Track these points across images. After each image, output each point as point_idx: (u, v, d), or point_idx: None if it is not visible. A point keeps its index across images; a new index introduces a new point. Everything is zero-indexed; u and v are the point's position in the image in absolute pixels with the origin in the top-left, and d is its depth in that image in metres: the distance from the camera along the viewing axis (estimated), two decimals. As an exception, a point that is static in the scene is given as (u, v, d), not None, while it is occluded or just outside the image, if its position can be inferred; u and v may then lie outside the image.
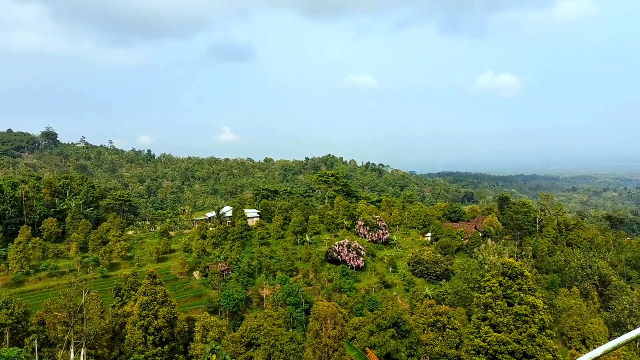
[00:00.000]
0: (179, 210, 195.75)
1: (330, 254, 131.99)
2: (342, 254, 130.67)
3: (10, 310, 72.62)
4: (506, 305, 69.28)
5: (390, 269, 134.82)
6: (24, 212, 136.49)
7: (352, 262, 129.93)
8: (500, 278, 71.15)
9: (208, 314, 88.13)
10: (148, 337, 75.46)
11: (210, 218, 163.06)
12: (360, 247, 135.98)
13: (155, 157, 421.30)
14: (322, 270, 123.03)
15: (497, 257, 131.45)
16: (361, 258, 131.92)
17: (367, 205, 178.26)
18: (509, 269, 71.02)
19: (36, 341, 71.03)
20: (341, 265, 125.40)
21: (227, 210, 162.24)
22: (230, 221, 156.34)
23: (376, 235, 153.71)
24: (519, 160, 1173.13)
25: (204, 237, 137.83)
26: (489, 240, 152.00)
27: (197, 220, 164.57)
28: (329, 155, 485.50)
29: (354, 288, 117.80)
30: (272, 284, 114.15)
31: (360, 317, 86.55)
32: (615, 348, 9.37)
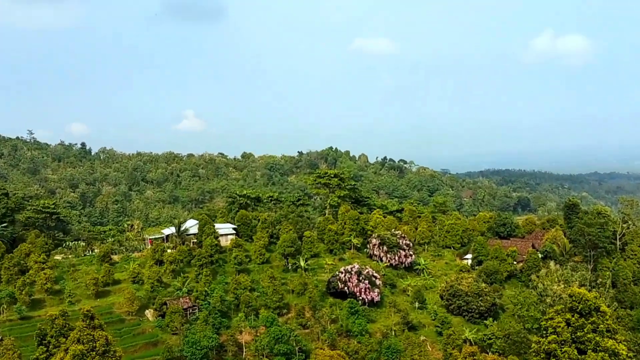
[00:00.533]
0: (125, 225, 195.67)
1: (334, 285, 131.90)
2: (349, 284, 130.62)
3: None
4: (576, 353, 69.36)
5: (417, 305, 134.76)
6: None
7: (363, 296, 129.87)
8: (568, 315, 71.21)
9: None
10: (84, 401, 75.19)
11: (168, 236, 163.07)
12: (375, 274, 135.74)
13: (93, 153, 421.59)
14: (322, 307, 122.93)
15: (562, 286, 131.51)
16: (376, 290, 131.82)
17: (384, 217, 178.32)
18: (579, 303, 71.07)
19: None
20: (349, 299, 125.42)
21: (192, 226, 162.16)
22: (195, 240, 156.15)
23: (396, 257, 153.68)
24: (592, 154, 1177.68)
25: (159, 262, 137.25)
26: (552, 264, 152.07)
27: (150, 239, 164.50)
28: (331, 148, 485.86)
29: (367, 331, 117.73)
30: (255, 326, 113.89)
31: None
32: None
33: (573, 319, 71.04)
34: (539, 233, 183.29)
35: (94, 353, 76.42)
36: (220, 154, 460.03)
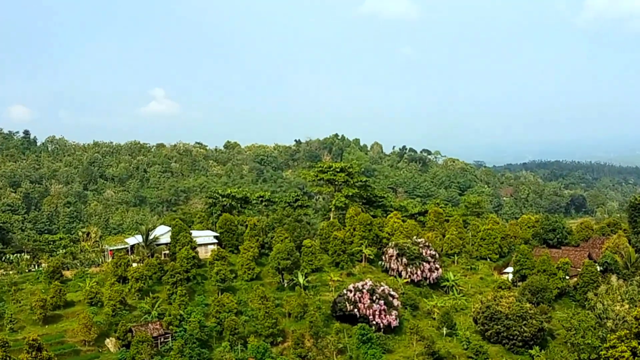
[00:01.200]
0: (80, 234, 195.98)
1: (341, 306, 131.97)
2: (360, 305, 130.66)
3: None
4: (645, 390, 69.35)
5: (445, 330, 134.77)
6: None
7: (378, 320, 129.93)
8: (634, 343, 71.22)
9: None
10: None
11: (133, 247, 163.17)
12: (393, 292, 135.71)
13: (39, 144, 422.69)
14: (326, 334, 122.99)
15: (627, 306, 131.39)
16: (394, 312, 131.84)
17: (403, 222, 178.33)
18: (648, 328, 71.04)
19: None
20: (359, 324, 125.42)
21: (163, 234, 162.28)
22: (167, 251, 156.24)
23: (419, 272, 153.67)
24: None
25: (123, 279, 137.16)
26: (614, 278, 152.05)
27: (111, 250, 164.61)
28: (336, 136, 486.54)
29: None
30: (242, 358, 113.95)
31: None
32: None
33: (640, 347, 71.03)
34: (598, 240, 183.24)
35: (42, 393, 76.52)
36: (198, 143, 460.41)
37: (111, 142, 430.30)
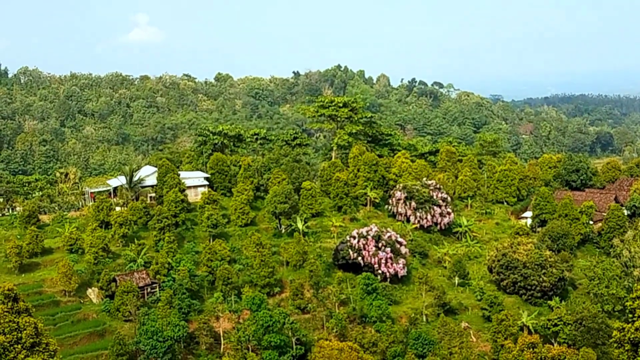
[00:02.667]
0: (57, 175, 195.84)
1: (344, 254, 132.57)
2: (365, 252, 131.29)
3: None
4: (673, 344, 69.83)
5: (457, 280, 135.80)
6: None
7: (384, 268, 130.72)
8: (663, 293, 71.45)
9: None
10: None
11: (116, 189, 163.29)
12: (400, 239, 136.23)
13: (10, 75, 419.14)
14: (328, 284, 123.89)
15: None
16: (401, 260, 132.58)
17: (412, 162, 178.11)
18: (679, 277, 71.27)
19: None
20: (364, 273, 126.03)
21: (148, 175, 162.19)
22: (154, 194, 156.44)
23: (429, 217, 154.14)
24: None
25: (105, 224, 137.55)
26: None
27: (92, 192, 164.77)
28: (339, 67, 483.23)
29: (389, 316, 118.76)
30: (236, 310, 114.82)
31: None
32: None
33: (670, 298, 71.25)
34: (625, 182, 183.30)
35: (20, 346, 77.13)
36: (186, 75, 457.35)
37: (90, 74, 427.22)
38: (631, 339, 72.11)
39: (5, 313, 77.91)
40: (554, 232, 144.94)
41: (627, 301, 78.81)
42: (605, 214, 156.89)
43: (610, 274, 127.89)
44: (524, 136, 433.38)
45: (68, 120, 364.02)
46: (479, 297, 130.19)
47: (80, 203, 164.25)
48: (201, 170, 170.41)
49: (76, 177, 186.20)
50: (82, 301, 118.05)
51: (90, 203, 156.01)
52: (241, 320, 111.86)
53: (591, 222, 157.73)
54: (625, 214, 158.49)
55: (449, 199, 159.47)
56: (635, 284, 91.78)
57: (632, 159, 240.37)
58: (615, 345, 75.20)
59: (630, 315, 74.58)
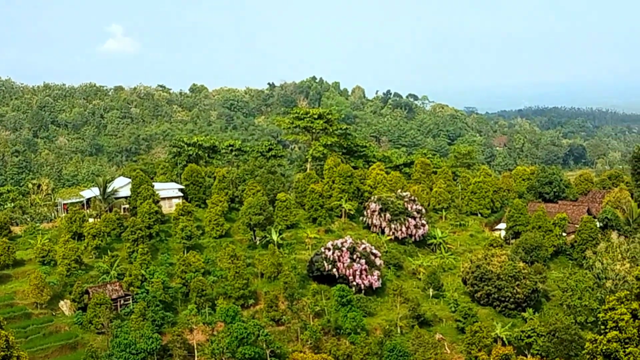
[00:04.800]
0: (30, 186, 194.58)
1: (319, 265, 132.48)
2: (340, 264, 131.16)
3: None
4: (645, 355, 70.32)
5: (431, 292, 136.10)
6: None
7: (358, 280, 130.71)
8: (635, 305, 72.04)
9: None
10: None
11: (89, 200, 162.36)
12: (375, 251, 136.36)
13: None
14: (302, 296, 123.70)
15: (628, 265, 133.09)
16: (376, 272, 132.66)
17: (387, 173, 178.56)
18: (650, 289, 71.76)
19: None
20: (339, 285, 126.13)
21: (122, 186, 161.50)
22: (127, 205, 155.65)
23: (404, 228, 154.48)
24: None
25: (78, 236, 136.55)
26: (614, 235, 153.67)
27: (65, 204, 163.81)
28: (314, 79, 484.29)
29: (364, 328, 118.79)
30: (210, 322, 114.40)
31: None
32: None
33: (642, 309, 71.81)
34: (598, 194, 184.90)
35: (-10, 360, 76.45)
36: (161, 86, 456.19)
37: (64, 85, 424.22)
38: (603, 351, 72.62)
39: (-25, 326, 77.11)
40: (528, 243, 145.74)
41: (599, 313, 79.45)
42: (577, 226, 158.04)
43: (583, 286, 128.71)
44: (497, 148, 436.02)
45: (41, 131, 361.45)
46: (453, 309, 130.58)
47: (53, 214, 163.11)
48: (175, 182, 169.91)
49: (49, 188, 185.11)
50: (54, 313, 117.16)
51: (63, 214, 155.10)
52: (215, 333, 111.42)
53: (564, 234, 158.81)
54: (598, 225, 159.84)
55: (423, 210, 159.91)
56: (608, 296, 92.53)
57: (605, 172, 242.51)
58: (587, 356, 75.70)
59: (602, 327, 75.15)
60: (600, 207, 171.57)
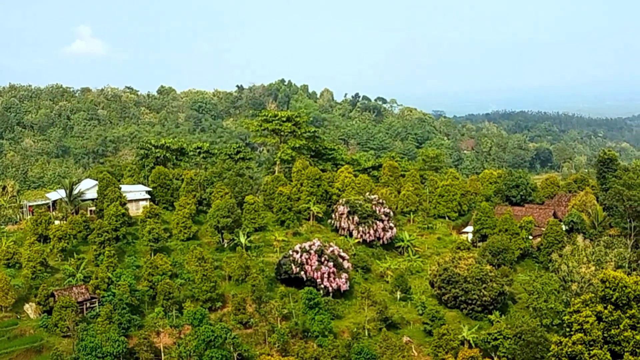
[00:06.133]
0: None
1: (287, 268, 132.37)
2: (308, 267, 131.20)
3: None
4: (610, 357, 71.04)
5: (398, 295, 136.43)
6: None
7: (326, 283, 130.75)
8: (600, 307, 72.74)
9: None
10: None
11: (55, 202, 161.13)
12: (343, 254, 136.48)
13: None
14: (270, 299, 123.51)
15: (593, 268, 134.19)
16: (344, 275, 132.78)
17: (355, 176, 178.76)
18: (614, 291, 72.54)
19: None
20: (306, 288, 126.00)
21: (89, 188, 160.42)
22: (94, 208, 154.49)
23: (372, 231, 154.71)
24: (638, 89, 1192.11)
25: (44, 238, 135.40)
26: (580, 238, 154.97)
27: (31, 206, 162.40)
28: (282, 81, 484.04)
29: (331, 331, 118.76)
30: (177, 325, 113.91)
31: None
32: None
33: (606, 311, 72.59)
34: (564, 197, 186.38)
35: (-47, 364, 75.80)
36: (128, 88, 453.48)
37: (30, 86, 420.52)
38: (568, 353, 73.35)
39: (-62, 329, 76.43)
40: (495, 246, 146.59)
41: (564, 315, 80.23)
42: (544, 229, 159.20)
43: (549, 289, 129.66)
44: (465, 152, 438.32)
45: (6, 133, 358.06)
46: (420, 312, 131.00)
47: (18, 216, 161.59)
48: (143, 184, 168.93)
49: (14, 190, 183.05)
50: (19, 317, 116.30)
51: (29, 216, 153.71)
52: (182, 336, 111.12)
53: (530, 237, 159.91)
54: (564, 229, 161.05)
55: (391, 213, 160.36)
56: (573, 299, 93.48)
57: (570, 175, 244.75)
58: (553, 359, 76.35)
59: (567, 329, 75.90)
60: (566, 211, 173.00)
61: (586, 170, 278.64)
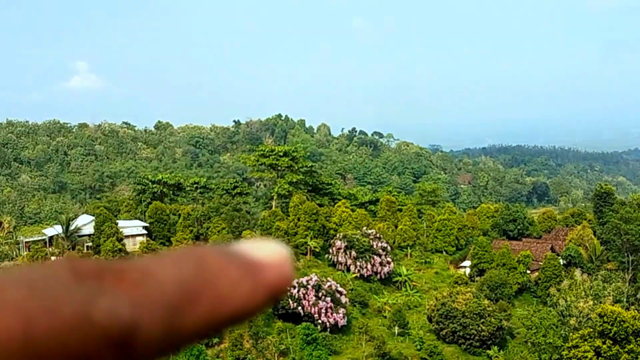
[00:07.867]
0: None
1: (284, 303, 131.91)
2: (305, 302, 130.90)
3: None
4: (608, 392, 70.94)
5: (396, 330, 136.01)
6: None
7: (324, 318, 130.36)
8: (598, 342, 72.79)
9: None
10: None
11: (52, 238, 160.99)
12: (340, 289, 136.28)
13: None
14: (267, 335, 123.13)
15: (591, 303, 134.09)
16: (341, 310, 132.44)
17: (352, 211, 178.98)
18: (612, 326, 72.65)
19: None
20: (304, 323, 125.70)
21: (86, 223, 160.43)
22: (91, 243, 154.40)
23: (369, 266, 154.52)
24: (635, 124, 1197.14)
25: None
26: (578, 273, 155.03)
27: (27, 242, 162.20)
28: (279, 116, 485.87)
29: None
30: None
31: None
32: None
33: (604, 346, 72.63)
34: (561, 232, 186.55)
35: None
36: (126, 123, 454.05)
37: (27, 121, 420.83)
38: (566, 388, 73.23)
39: None
40: (492, 281, 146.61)
41: (563, 350, 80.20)
42: (541, 263, 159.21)
43: (547, 323, 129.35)
44: (462, 186, 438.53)
45: (3, 168, 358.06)
46: (418, 347, 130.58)
47: (15, 253, 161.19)
48: (140, 219, 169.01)
49: (10, 226, 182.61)
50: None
51: (25, 252, 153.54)
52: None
53: (528, 271, 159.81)
54: (561, 263, 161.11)
55: (388, 248, 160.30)
56: (572, 333, 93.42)
57: (567, 209, 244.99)
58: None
59: (566, 365, 75.76)
60: (564, 245, 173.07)
61: (583, 204, 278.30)
